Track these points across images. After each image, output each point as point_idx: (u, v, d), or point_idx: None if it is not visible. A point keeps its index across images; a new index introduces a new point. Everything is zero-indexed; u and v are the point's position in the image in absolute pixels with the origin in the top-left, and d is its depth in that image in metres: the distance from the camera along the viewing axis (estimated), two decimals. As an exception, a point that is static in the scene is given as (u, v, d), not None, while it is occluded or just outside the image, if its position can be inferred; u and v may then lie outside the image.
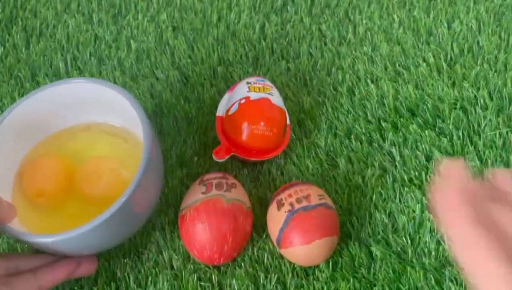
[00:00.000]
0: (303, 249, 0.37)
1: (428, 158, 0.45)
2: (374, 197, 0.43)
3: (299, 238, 0.37)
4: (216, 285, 0.39)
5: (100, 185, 0.39)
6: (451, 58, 0.52)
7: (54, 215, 0.39)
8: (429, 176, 0.43)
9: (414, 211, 0.41)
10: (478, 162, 0.44)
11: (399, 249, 0.40)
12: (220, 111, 0.46)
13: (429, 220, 0.41)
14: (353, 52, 0.53)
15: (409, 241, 0.40)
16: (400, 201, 0.42)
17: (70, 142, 0.42)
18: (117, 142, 0.42)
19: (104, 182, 0.39)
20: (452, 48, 0.52)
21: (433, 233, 0.40)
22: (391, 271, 0.39)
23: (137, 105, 0.37)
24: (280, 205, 0.38)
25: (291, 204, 0.38)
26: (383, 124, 0.47)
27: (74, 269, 0.37)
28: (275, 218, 0.38)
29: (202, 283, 0.39)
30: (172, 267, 0.41)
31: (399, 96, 0.49)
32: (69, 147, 0.42)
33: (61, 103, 0.41)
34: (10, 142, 0.40)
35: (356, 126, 0.47)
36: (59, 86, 0.41)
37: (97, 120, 0.43)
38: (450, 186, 0.26)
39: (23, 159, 0.41)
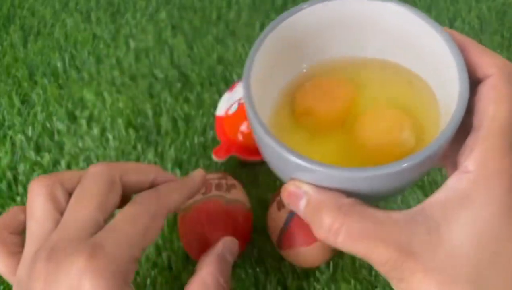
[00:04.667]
0: (304, 250, 0.37)
1: (430, 158, 0.44)
2: (375, 197, 0.43)
3: (299, 239, 0.36)
4: (216, 287, 0.39)
5: (379, 138, 0.32)
6: (452, 57, 0.51)
7: (316, 141, 0.33)
8: (431, 177, 0.43)
9: (415, 212, 0.41)
10: (480, 162, 0.43)
11: (400, 250, 0.40)
12: (220, 111, 0.46)
13: (431, 220, 0.41)
14: (354, 51, 0.52)
15: (411, 242, 0.40)
16: (401, 201, 0.42)
17: (362, 72, 0.35)
18: (411, 92, 0.34)
19: (386, 136, 0.32)
20: (453, 47, 0.52)
21: (435, 234, 0.40)
22: (392, 273, 0.39)
23: (457, 52, 0.29)
24: (280, 205, 0.38)
25: (292, 205, 0.37)
26: (384, 123, 0.47)
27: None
28: (276, 219, 0.38)
29: (202, 285, 0.39)
30: (171, 268, 0.40)
31: (400, 95, 0.48)
32: (360, 77, 0.35)
33: (357, 26, 0.33)
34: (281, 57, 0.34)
35: (357, 126, 0.47)
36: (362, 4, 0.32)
37: (390, 58, 0.34)
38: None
39: (296, 77, 0.35)
